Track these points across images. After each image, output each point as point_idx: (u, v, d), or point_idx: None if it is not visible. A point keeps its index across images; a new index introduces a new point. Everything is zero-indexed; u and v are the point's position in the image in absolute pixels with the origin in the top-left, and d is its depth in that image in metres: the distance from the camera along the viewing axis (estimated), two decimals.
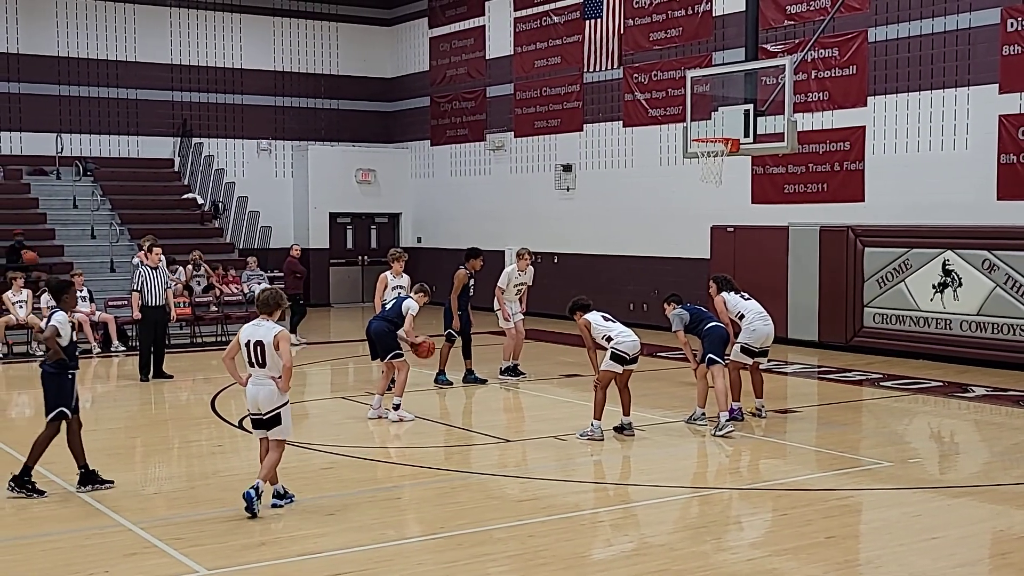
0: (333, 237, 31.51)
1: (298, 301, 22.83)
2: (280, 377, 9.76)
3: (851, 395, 16.36)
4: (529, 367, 17.84)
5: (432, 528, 9.34)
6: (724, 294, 14.35)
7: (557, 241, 27.05)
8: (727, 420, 13.14)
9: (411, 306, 14.22)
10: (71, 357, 10.58)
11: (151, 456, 12.42)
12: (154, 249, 18.08)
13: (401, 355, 14.26)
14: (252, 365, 9.90)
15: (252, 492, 9.57)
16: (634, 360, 12.90)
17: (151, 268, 17.92)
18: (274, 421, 9.84)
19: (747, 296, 14.37)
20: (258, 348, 9.82)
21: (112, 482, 10.74)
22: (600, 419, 12.83)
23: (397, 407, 14.12)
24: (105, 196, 27.76)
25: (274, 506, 9.83)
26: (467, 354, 17.21)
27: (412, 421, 14.01)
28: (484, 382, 17.16)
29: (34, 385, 17.46)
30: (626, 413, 13.08)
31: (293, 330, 22.77)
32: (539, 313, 26.75)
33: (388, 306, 14.65)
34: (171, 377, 17.86)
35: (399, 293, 15.76)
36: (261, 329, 9.89)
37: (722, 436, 12.94)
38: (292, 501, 9.94)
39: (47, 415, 10.54)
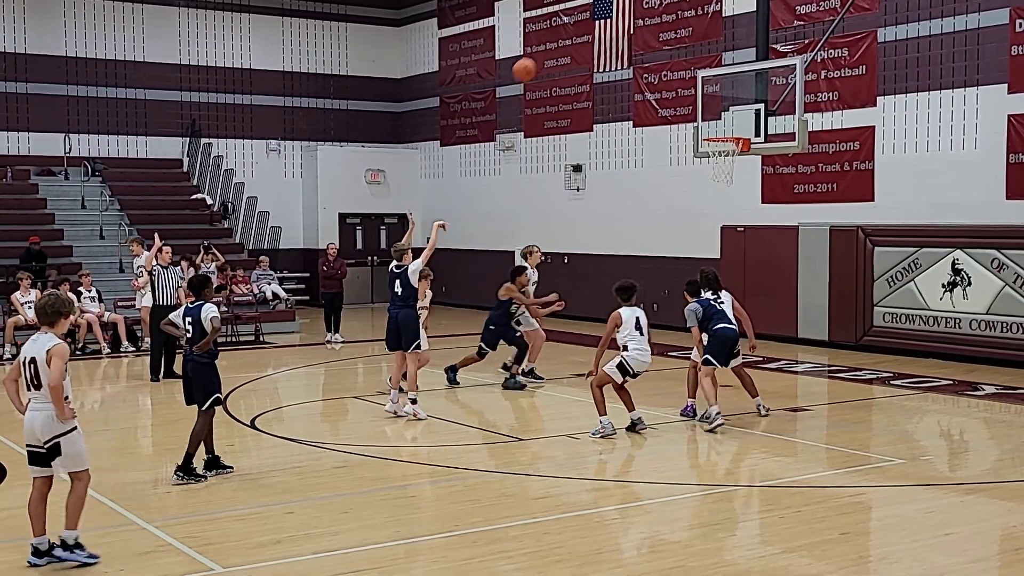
0: (343, 237, 31.53)
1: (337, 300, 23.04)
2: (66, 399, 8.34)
3: (861, 394, 16.36)
4: (540, 366, 17.84)
5: (447, 526, 9.36)
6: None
7: (567, 241, 27.05)
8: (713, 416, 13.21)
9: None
10: (216, 346, 11.11)
11: (163, 455, 12.43)
12: (164, 249, 18.12)
13: (420, 346, 14.33)
14: (28, 388, 8.38)
15: (52, 554, 8.23)
16: (635, 376, 12.89)
17: (162, 267, 17.95)
18: (54, 452, 8.34)
19: (721, 301, 13.79)
20: (32, 366, 8.29)
21: (232, 467, 11.18)
22: (606, 414, 12.82)
23: (414, 401, 14.16)
24: (114, 196, 27.84)
25: (50, 561, 8.26)
26: (520, 360, 17.08)
27: (424, 420, 14.03)
28: (541, 379, 17.29)
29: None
30: (631, 409, 13.06)
31: (338, 329, 22.87)
32: (549, 313, 26.77)
33: (400, 291, 14.66)
34: (181, 377, 17.84)
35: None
36: (36, 344, 8.34)
37: (710, 430, 13.10)
38: (93, 560, 8.30)
39: (202, 405, 10.92)
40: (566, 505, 10.01)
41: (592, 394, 12.98)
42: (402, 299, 14.59)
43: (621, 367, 12.77)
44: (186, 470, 10.81)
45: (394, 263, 15.00)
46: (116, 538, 9.01)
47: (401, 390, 14.53)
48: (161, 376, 17.74)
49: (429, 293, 15.67)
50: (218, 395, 11.09)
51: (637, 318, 12.88)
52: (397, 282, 14.61)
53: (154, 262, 18.04)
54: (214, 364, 11.04)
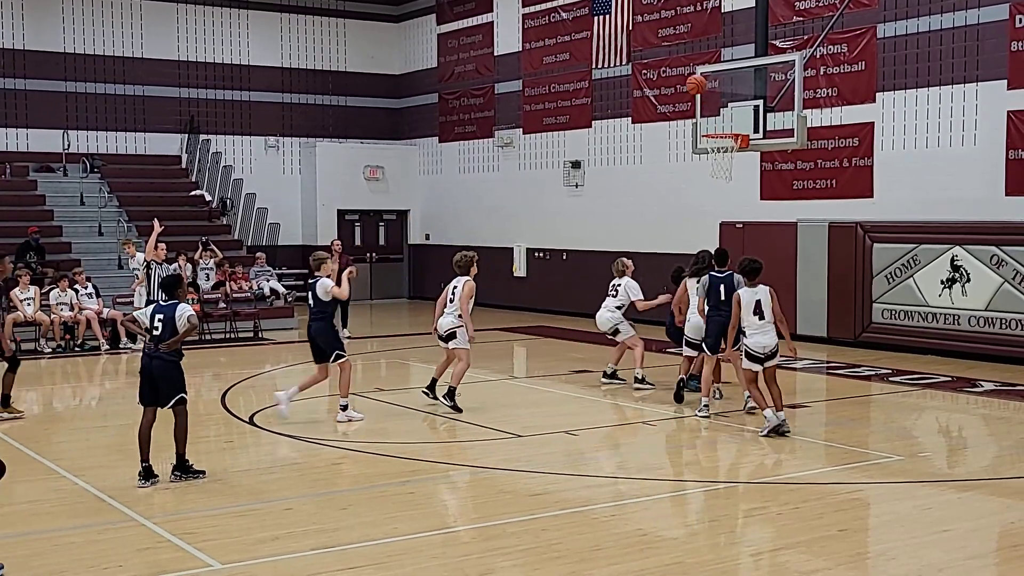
0: (341, 234, 31.50)
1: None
2: None
3: (860, 390, 16.36)
4: (540, 363, 17.84)
5: (445, 522, 9.37)
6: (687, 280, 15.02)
7: (566, 238, 27.06)
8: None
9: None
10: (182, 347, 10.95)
11: (161, 452, 12.40)
12: (159, 245, 18.14)
13: (341, 355, 13.79)
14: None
15: None
16: (766, 359, 12.72)
17: (158, 263, 17.94)
18: None
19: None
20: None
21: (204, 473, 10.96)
22: (769, 407, 12.67)
23: (344, 408, 13.79)
24: (112, 193, 27.81)
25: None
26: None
27: (361, 419, 13.84)
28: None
29: (41, 382, 17.58)
30: (779, 408, 12.77)
31: (345, 324, 22.84)
32: (548, 310, 26.81)
33: (312, 303, 13.93)
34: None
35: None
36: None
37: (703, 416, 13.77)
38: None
39: (165, 405, 10.73)
40: (564, 502, 10.00)
41: (750, 392, 13.03)
42: (315, 312, 13.90)
43: (749, 357, 12.66)
44: (183, 469, 10.79)
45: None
46: (115, 534, 9.01)
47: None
48: None
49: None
50: (183, 395, 10.80)
51: (758, 300, 12.68)
52: (310, 293, 14.03)
53: (152, 255, 18.00)
54: (180, 364, 10.81)
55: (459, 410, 14.13)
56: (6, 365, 14.28)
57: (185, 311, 10.69)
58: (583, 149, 26.96)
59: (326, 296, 13.62)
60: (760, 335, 12.56)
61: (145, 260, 18.73)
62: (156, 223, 18.56)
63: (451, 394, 14.25)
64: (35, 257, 23.55)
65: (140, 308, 19.15)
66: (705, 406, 13.92)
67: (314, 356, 13.97)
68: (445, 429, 13.73)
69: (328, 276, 13.77)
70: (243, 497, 10.26)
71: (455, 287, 14.40)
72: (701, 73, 17.79)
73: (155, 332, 10.67)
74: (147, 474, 10.62)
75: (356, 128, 33.03)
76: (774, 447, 12.35)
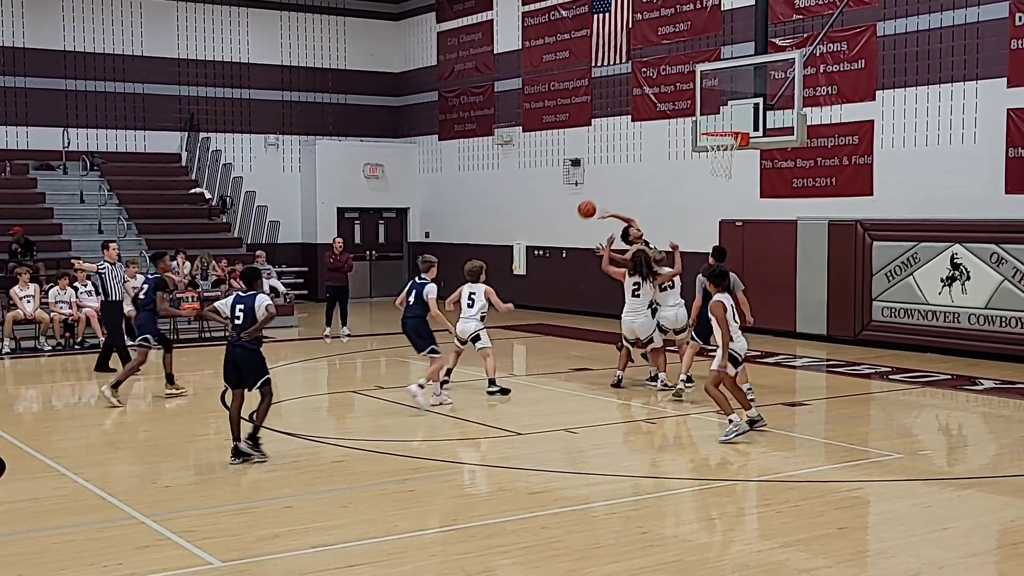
0: (341, 232, 31.47)
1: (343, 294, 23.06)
2: None
3: (860, 388, 16.36)
4: (539, 361, 17.84)
5: (445, 520, 9.36)
6: None
7: (565, 236, 27.02)
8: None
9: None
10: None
11: (161, 449, 12.44)
12: (111, 245, 18.30)
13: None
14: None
15: None
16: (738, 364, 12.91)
17: (110, 264, 17.99)
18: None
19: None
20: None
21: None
22: (732, 412, 12.44)
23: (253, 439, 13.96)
24: (112, 191, 27.80)
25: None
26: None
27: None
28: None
29: (41, 380, 17.58)
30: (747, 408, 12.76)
31: (345, 322, 22.83)
32: (548, 308, 26.81)
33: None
34: (115, 370, 18.06)
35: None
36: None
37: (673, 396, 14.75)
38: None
39: (252, 387, 11.51)
40: (564, 500, 10.00)
41: (710, 394, 12.44)
42: (413, 307, 14.78)
43: (730, 360, 12.54)
44: (255, 443, 11.47)
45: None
46: (114, 532, 9.01)
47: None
48: (98, 369, 17.84)
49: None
50: (268, 376, 11.56)
51: (731, 305, 12.73)
52: (414, 291, 14.85)
53: (102, 261, 18.08)
54: (260, 350, 11.53)
55: (507, 391, 15.46)
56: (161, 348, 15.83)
57: (264, 301, 11.42)
58: (583, 147, 26.95)
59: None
60: (739, 338, 12.67)
61: (92, 271, 18.86)
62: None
63: (493, 383, 15.44)
64: (27, 255, 23.51)
65: (93, 306, 19.48)
66: (673, 386, 14.98)
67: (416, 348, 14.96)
68: (445, 427, 13.73)
69: (433, 281, 14.92)
70: (243, 495, 10.27)
71: (472, 293, 15.40)
72: (702, 71, 17.80)
73: (236, 321, 11.39)
74: (237, 453, 11.42)
75: (356, 126, 33.02)
76: (774, 446, 12.36)
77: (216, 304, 12.09)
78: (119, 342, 17.73)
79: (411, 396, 14.39)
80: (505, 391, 15.38)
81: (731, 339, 12.34)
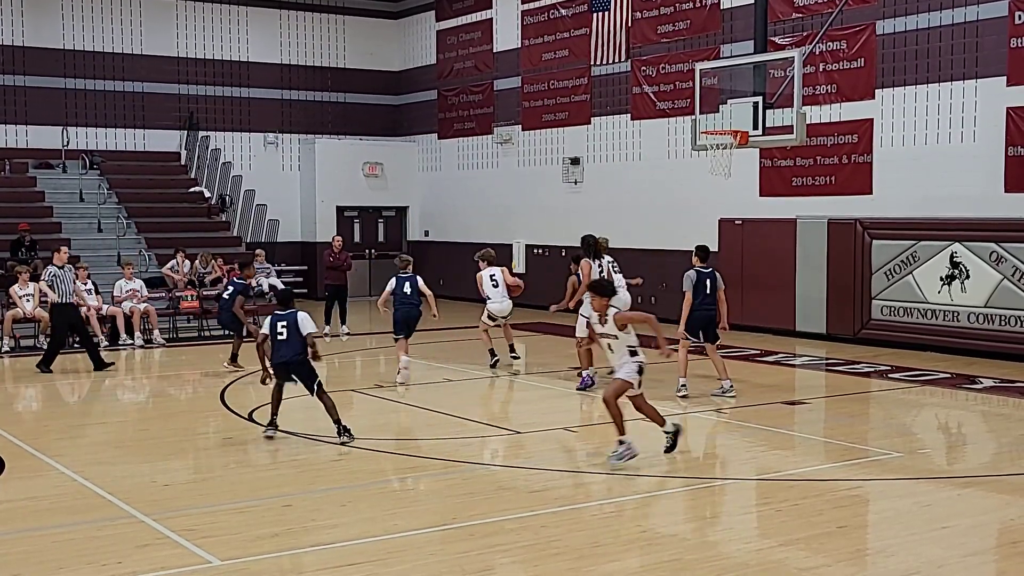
0: (340, 231, 31.46)
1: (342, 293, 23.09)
2: None
3: (859, 387, 16.36)
4: (537, 360, 17.85)
5: (444, 519, 9.35)
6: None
7: (565, 234, 26.96)
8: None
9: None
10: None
11: (161, 448, 12.44)
12: (62, 248, 18.51)
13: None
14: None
15: None
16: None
17: (59, 267, 18.16)
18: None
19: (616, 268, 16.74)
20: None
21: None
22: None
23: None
24: (111, 189, 27.80)
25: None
26: None
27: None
28: None
29: (41, 378, 17.56)
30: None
31: (345, 321, 22.83)
32: (547, 307, 26.78)
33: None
34: (112, 364, 18.38)
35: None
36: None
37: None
38: None
39: (313, 392, 12.36)
40: (563, 498, 10.01)
41: (609, 410, 11.26)
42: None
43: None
44: (341, 427, 12.25)
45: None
46: (114, 531, 9.01)
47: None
48: (51, 367, 17.95)
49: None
50: (319, 380, 12.42)
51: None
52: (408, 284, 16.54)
53: (51, 265, 18.33)
54: (307, 359, 12.33)
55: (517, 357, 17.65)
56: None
57: (305, 317, 12.32)
58: (582, 145, 26.95)
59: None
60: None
61: (43, 280, 18.89)
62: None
63: (513, 348, 17.63)
64: (28, 254, 23.53)
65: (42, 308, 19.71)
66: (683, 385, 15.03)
67: (404, 332, 16.39)
68: (444, 425, 13.72)
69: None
70: (242, 494, 10.26)
71: (493, 275, 17.47)
72: (702, 70, 17.82)
73: (280, 337, 12.30)
74: (272, 425, 12.57)
75: (355, 124, 33.02)
76: (773, 444, 12.36)
77: (262, 331, 12.91)
78: (62, 344, 18.50)
79: (402, 367, 16.17)
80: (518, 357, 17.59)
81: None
